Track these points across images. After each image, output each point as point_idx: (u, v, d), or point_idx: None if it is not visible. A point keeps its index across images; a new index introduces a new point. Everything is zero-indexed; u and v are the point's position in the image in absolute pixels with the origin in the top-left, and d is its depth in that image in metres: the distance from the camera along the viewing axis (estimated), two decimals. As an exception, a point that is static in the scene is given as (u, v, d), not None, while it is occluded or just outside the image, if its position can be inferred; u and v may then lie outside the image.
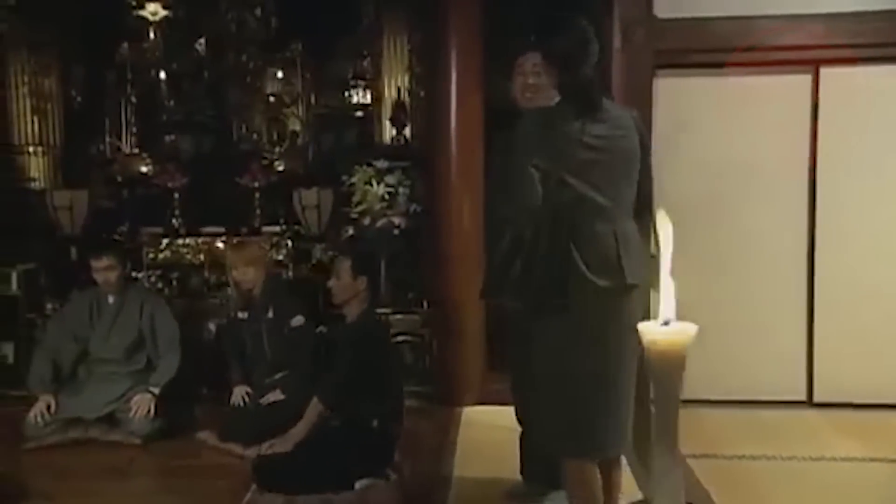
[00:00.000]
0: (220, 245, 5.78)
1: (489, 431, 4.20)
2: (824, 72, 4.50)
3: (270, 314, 4.25)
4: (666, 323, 1.28)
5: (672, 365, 1.31)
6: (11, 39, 4.86)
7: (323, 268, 5.24)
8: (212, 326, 5.16)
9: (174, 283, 5.61)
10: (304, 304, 4.41)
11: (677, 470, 1.22)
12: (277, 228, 5.76)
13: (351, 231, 5.83)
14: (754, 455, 3.73)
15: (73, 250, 5.54)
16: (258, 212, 5.84)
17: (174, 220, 5.84)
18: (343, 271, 3.50)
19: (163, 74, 6.00)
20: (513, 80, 3.23)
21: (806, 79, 4.54)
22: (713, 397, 4.51)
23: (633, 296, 2.48)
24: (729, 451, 3.73)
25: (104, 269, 4.27)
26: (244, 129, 6.37)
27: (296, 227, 5.70)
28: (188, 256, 5.75)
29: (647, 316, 2.54)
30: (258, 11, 5.35)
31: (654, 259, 2.60)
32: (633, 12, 4.38)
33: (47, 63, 5.85)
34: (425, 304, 4.98)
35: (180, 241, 5.73)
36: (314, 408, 3.35)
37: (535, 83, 3.17)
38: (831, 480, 3.50)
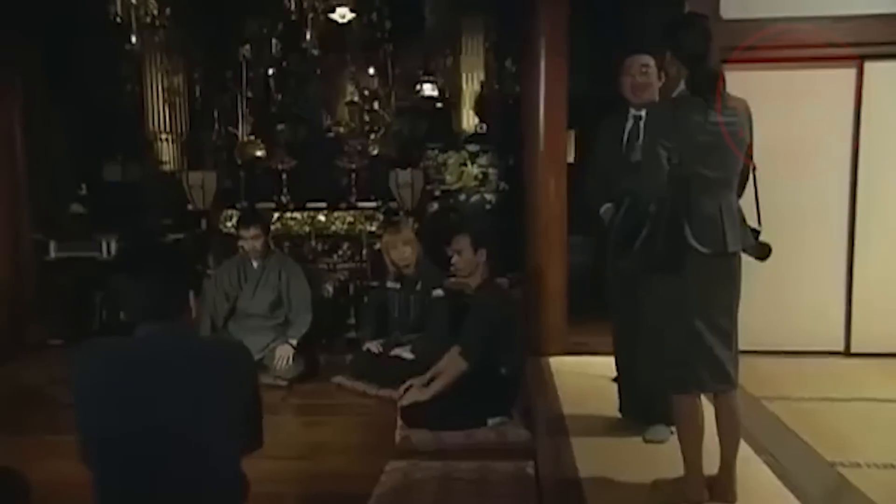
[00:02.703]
0: (322, 218, 5.83)
1: (577, 378, 4.23)
2: (868, 66, 4.42)
3: (419, 286, 4.25)
4: None
5: None
6: (150, 44, 4.87)
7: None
8: (329, 287, 5.23)
9: (286, 250, 5.67)
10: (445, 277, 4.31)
11: None
12: (372, 204, 5.78)
13: (436, 206, 5.87)
14: (815, 397, 3.74)
15: (204, 222, 5.60)
16: (354, 189, 5.87)
17: (283, 197, 5.87)
18: (464, 247, 3.49)
19: (271, 71, 6.01)
20: (621, 79, 3.22)
21: (851, 73, 4.47)
22: (760, 348, 4.51)
23: (734, 259, 2.50)
24: (795, 395, 3.74)
25: (252, 237, 4.32)
26: (340, 119, 6.35)
27: (390, 202, 5.72)
28: (295, 228, 5.78)
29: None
30: (374, 15, 5.31)
31: (756, 232, 2.65)
32: (702, 11, 4.30)
33: (176, 63, 5.88)
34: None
35: (288, 215, 5.76)
36: (455, 365, 3.36)
37: (642, 81, 3.16)
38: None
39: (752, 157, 2.52)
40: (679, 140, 2.35)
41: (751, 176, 2.55)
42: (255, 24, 5.52)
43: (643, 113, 3.17)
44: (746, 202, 2.60)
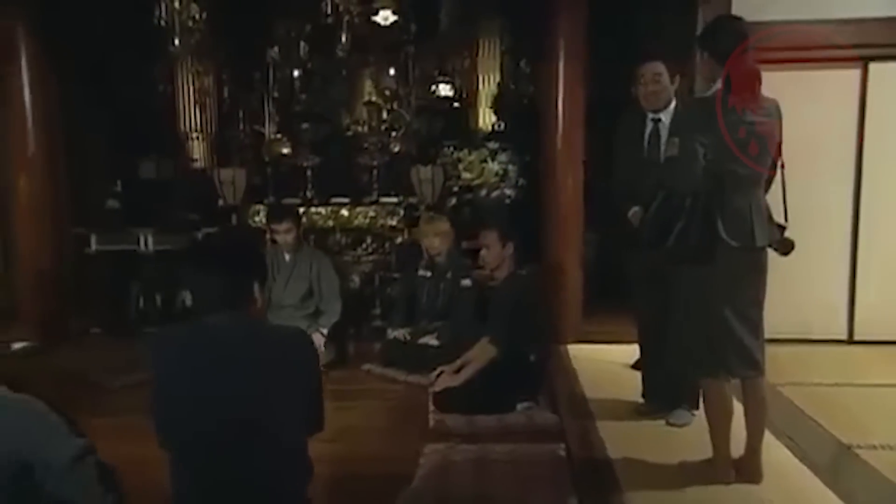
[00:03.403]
0: (345, 213, 5.83)
1: (595, 364, 4.24)
2: (873, 67, 4.41)
3: (449, 275, 4.26)
4: None
5: None
6: (183, 47, 4.84)
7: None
8: (356, 279, 5.23)
9: (311, 244, 5.65)
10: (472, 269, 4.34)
11: None
12: (394, 199, 5.77)
13: (454, 201, 5.86)
14: (824, 382, 3.72)
15: (234, 217, 5.60)
16: (376, 185, 5.86)
17: (308, 193, 5.88)
18: (492, 242, 3.48)
19: (297, 73, 5.99)
20: (635, 87, 3.19)
21: (856, 73, 4.45)
22: (767, 336, 4.51)
23: (762, 253, 2.51)
24: (806, 381, 3.73)
25: (284, 231, 4.30)
26: (359, 118, 6.33)
27: (410, 198, 5.70)
28: (320, 222, 5.79)
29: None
30: (402, 19, 5.29)
31: (782, 228, 2.64)
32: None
33: (206, 65, 5.86)
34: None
35: (313, 210, 5.75)
36: (485, 352, 3.36)
37: (653, 90, 3.13)
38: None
39: (781, 155, 2.52)
40: (714, 136, 2.34)
41: (778, 173, 2.55)
42: (283, 27, 5.50)
43: (662, 115, 3.16)
44: (772, 199, 2.61)
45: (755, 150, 2.39)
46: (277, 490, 1.73)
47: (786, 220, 2.58)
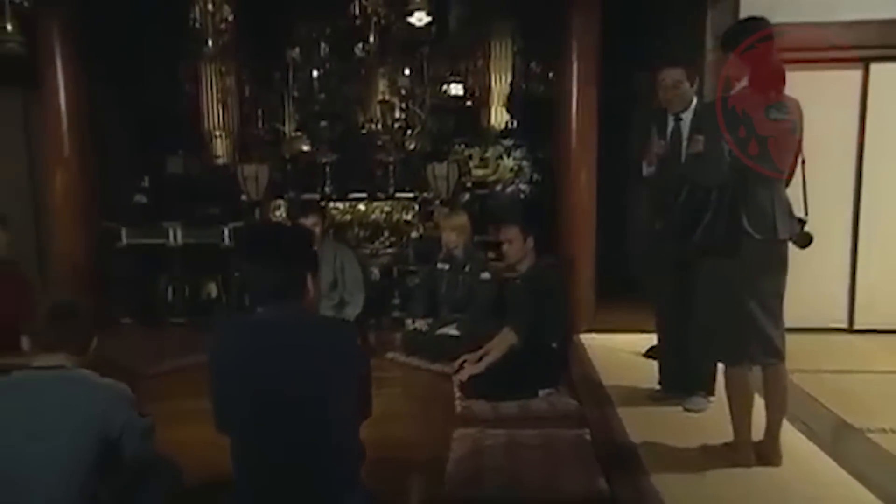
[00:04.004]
0: (362, 207, 5.83)
1: (608, 353, 4.25)
2: (874, 68, 4.40)
3: (467, 269, 4.25)
4: None
5: None
6: (215, 48, 4.76)
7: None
8: (375, 271, 5.22)
9: (331, 237, 5.64)
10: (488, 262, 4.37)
11: None
12: (410, 194, 5.76)
13: (467, 196, 5.84)
14: (829, 369, 3.73)
15: (257, 211, 5.59)
16: (392, 181, 5.85)
17: (326, 188, 5.86)
18: (514, 236, 3.47)
19: (315, 73, 5.95)
20: (657, 90, 3.18)
21: (857, 74, 4.44)
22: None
23: (784, 245, 2.52)
24: (811, 368, 3.73)
25: (310, 225, 4.29)
26: (373, 117, 6.29)
27: (425, 193, 5.69)
28: (338, 217, 5.78)
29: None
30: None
31: (802, 222, 2.64)
32: (724, 19, 4.28)
33: (229, 66, 5.81)
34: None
35: (331, 205, 5.75)
36: (506, 340, 3.36)
37: (674, 95, 3.13)
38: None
39: (801, 152, 2.51)
40: (739, 134, 2.34)
41: (798, 168, 2.55)
42: (304, 28, 5.45)
43: (683, 115, 3.15)
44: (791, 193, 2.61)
45: (773, 146, 2.38)
46: (333, 473, 1.73)
47: (806, 213, 2.58)
